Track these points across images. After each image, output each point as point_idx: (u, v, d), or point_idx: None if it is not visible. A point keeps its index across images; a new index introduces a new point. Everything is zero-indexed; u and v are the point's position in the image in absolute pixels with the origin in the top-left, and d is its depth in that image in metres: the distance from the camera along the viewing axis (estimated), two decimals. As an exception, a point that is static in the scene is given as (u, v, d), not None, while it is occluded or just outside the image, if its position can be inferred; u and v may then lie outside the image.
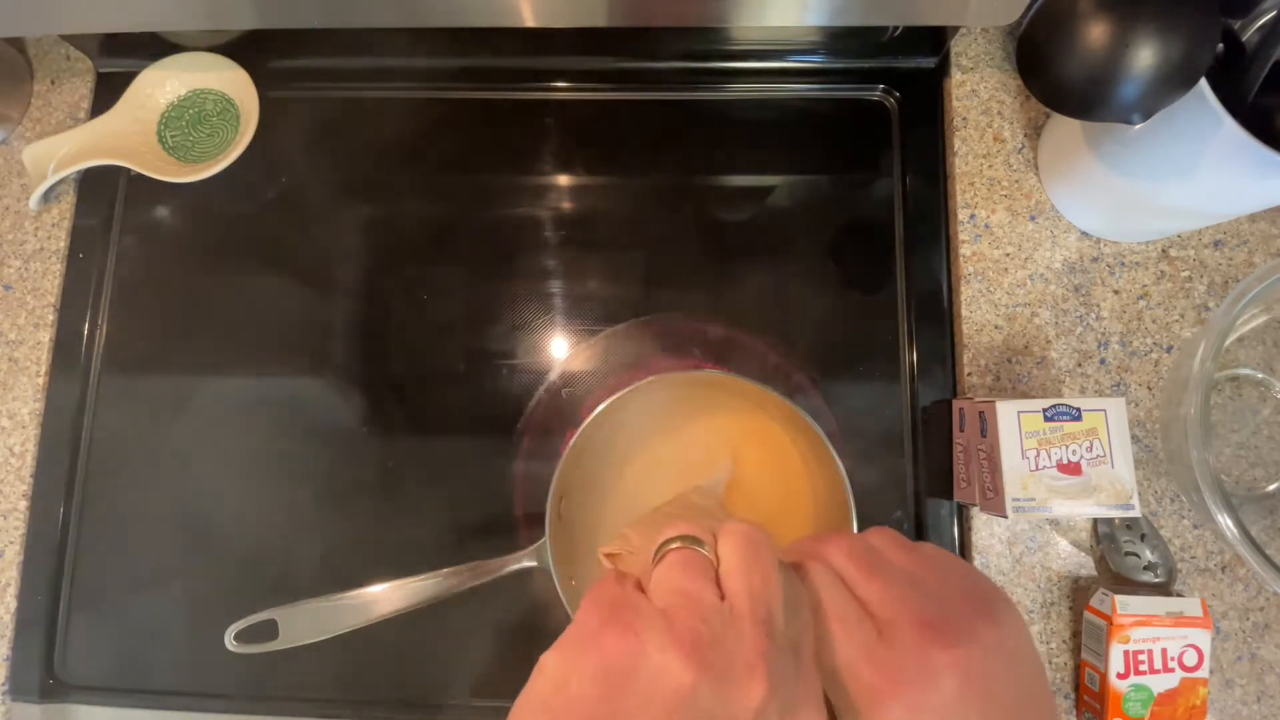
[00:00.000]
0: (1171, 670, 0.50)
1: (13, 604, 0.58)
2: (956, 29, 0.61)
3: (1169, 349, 0.58)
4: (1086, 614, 0.53)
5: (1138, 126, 0.46)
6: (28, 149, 0.61)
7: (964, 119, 0.62)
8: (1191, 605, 0.50)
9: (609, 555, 0.37)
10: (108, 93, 0.64)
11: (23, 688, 0.57)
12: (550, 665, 0.27)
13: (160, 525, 0.59)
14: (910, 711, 0.27)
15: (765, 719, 0.26)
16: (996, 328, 0.58)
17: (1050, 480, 0.48)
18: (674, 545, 0.30)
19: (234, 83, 0.64)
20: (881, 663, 0.28)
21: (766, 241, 0.62)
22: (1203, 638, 0.50)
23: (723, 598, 0.28)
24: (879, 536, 0.32)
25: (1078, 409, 0.48)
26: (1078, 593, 0.55)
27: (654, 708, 0.25)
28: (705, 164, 0.64)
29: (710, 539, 0.30)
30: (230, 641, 0.50)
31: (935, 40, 0.62)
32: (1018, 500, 0.48)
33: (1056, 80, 0.46)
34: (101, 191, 0.64)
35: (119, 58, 0.65)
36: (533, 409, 0.60)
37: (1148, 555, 0.54)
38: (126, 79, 0.63)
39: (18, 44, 0.66)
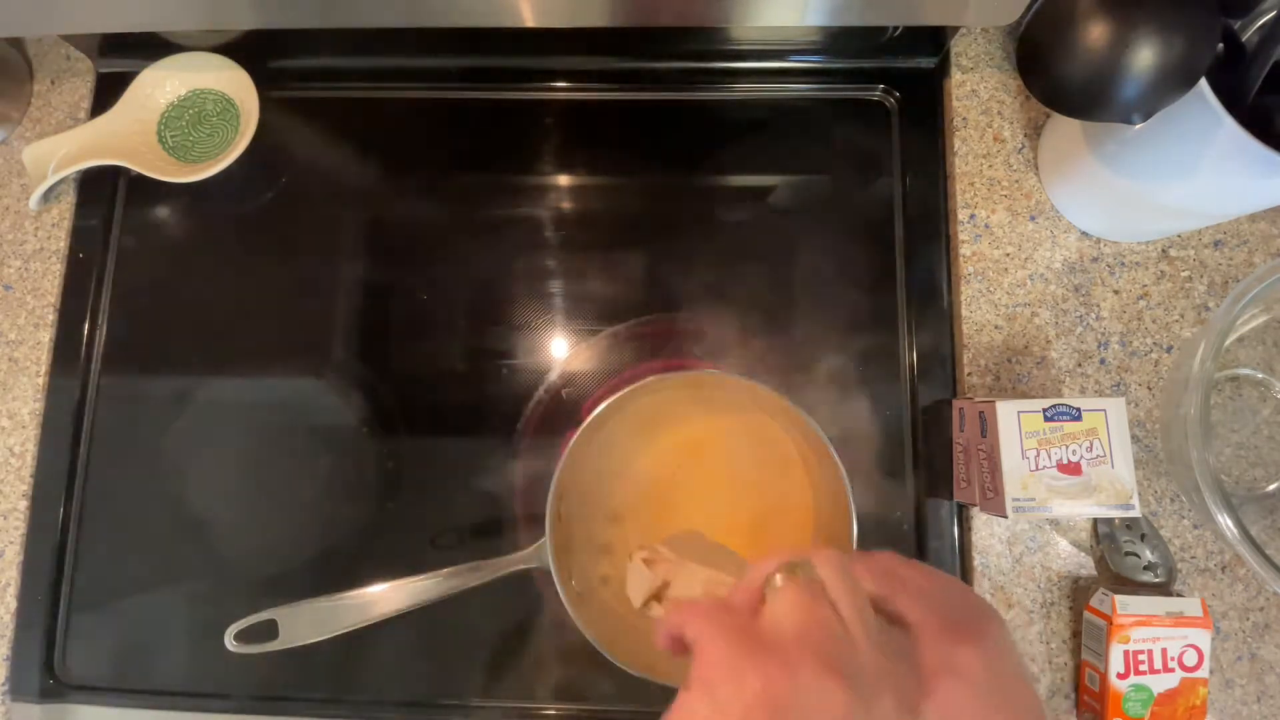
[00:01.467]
0: (1171, 670, 0.50)
1: (13, 604, 0.58)
2: (956, 29, 0.61)
3: (1169, 349, 0.58)
4: (1086, 614, 0.53)
5: (1138, 126, 0.46)
6: (28, 149, 0.61)
7: (964, 119, 0.62)
8: (1191, 605, 0.50)
9: (646, 560, 0.40)
10: (108, 93, 0.64)
11: (23, 688, 0.57)
12: (702, 704, 0.28)
13: (160, 525, 0.59)
14: (951, 696, 0.31)
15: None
16: (996, 328, 0.58)
17: (1050, 480, 0.48)
18: (783, 574, 0.32)
19: (234, 83, 0.64)
20: (917, 660, 0.31)
21: (766, 241, 0.62)
22: (1203, 638, 0.50)
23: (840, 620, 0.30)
24: (887, 558, 0.36)
25: (1078, 409, 0.48)
26: (1078, 593, 0.55)
27: None
28: (705, 164, 0.64)
29: (806, 563, 0.32)
30: (230, 641, 0.50)
31: (935, 40, 0.62)
32: (1018, 500, 0.48)
33: (1056, 80, 0.46)
34: (101, 191, 0.64)
35: (119, 58, 0.65)
36: (533, 409, 0.60)
37: (1148, 555, 0.54)
38: (126, 79, 0.63)
39: (18, 44, 0.66)
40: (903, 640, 0.32)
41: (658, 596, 0.40)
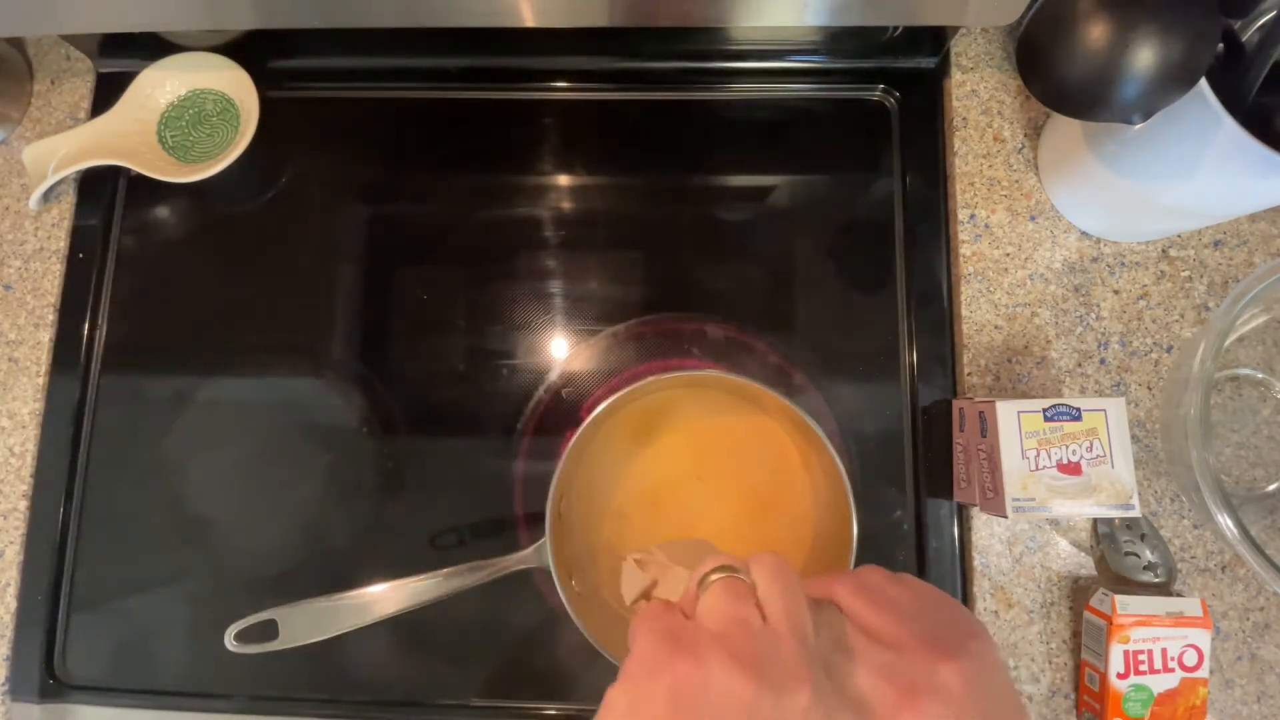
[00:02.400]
0: (1171, 670, 0.50)
1: (13, 604, 0.58)
2: (956, 29, 0.61)
3: (1169, 349, 0.58)
4: (1086, 614, 0.53)
5: (1138, 126, 0.46)
6: (28, 149, 0.61)
7: (964, 119, 0.62)
8: (1191, 605, 0.50)
9: (638, 560, 0.42)
10: (108, 93, 0.64)
11: (23, 688, 0.57)
12: (621, 698, 0.30)
13: (160, 525, 0.59)
14: (928, 715, 0.31)
15: (811, 718, 0.30)
16: (996, 328, 0.58)
17: (1050, 480, 0.48)
18: (715, 575, 0.33)
19: (234, 83, 0.64)
20: (897, 676, 0.32)
21: (766, 241, 0.62)
22: (1203, 638, 0.50)
23: (764, 619, 0.32)
24: (873, 574, 0.37)
25: (1078, 409, 0.48)
26: (1078, 593, 0.55)
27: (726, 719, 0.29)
28: (705, 164, 0.64)
29: (744, 567, 0.34)
30: (230, 641, 0.50)
31: (935, 40, 0.62)
32: (1018, 500, 0.48)
33: (1056, 80, 0.46)
34: (101, 191, 0.64)
35: (119, 58, 0.65)
36: (533, 409, 0.60)
37: (1148, 555, 0.54)
38: (126, 79, 0.63)
39: (18, 44, 0.66)
40: (883, 655, 0.33)
41: (647, 595, 0.42)
